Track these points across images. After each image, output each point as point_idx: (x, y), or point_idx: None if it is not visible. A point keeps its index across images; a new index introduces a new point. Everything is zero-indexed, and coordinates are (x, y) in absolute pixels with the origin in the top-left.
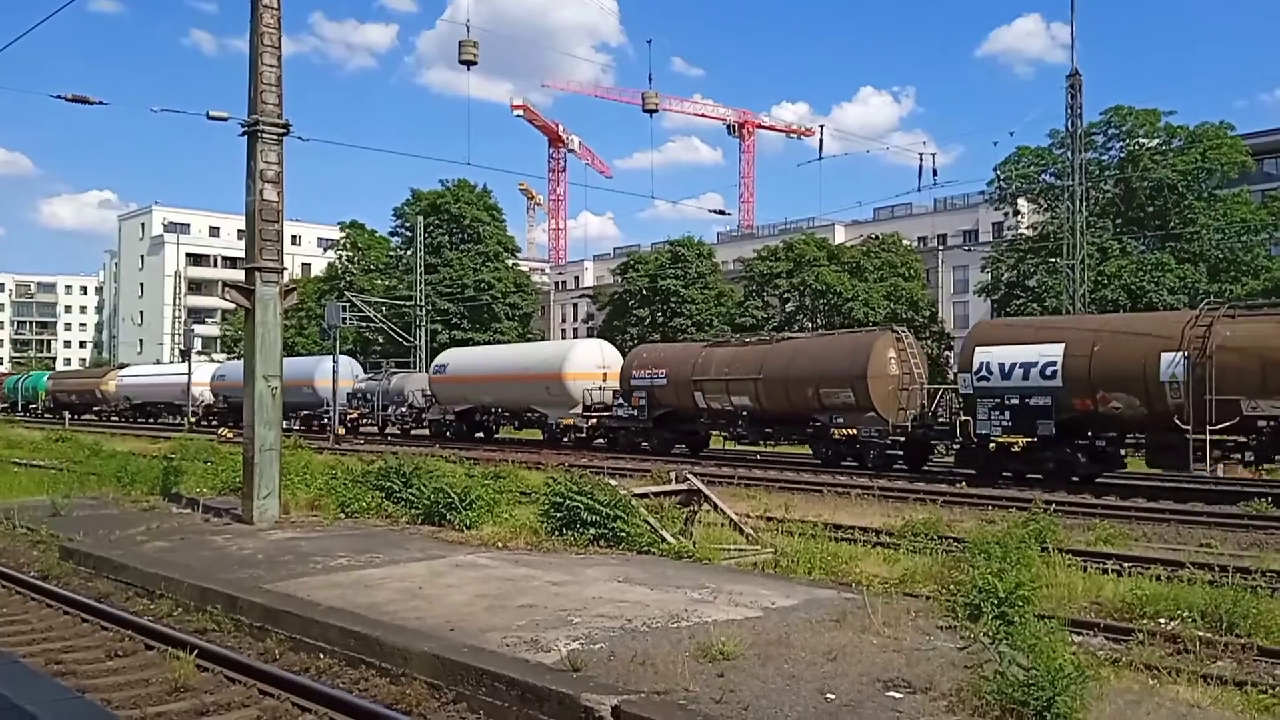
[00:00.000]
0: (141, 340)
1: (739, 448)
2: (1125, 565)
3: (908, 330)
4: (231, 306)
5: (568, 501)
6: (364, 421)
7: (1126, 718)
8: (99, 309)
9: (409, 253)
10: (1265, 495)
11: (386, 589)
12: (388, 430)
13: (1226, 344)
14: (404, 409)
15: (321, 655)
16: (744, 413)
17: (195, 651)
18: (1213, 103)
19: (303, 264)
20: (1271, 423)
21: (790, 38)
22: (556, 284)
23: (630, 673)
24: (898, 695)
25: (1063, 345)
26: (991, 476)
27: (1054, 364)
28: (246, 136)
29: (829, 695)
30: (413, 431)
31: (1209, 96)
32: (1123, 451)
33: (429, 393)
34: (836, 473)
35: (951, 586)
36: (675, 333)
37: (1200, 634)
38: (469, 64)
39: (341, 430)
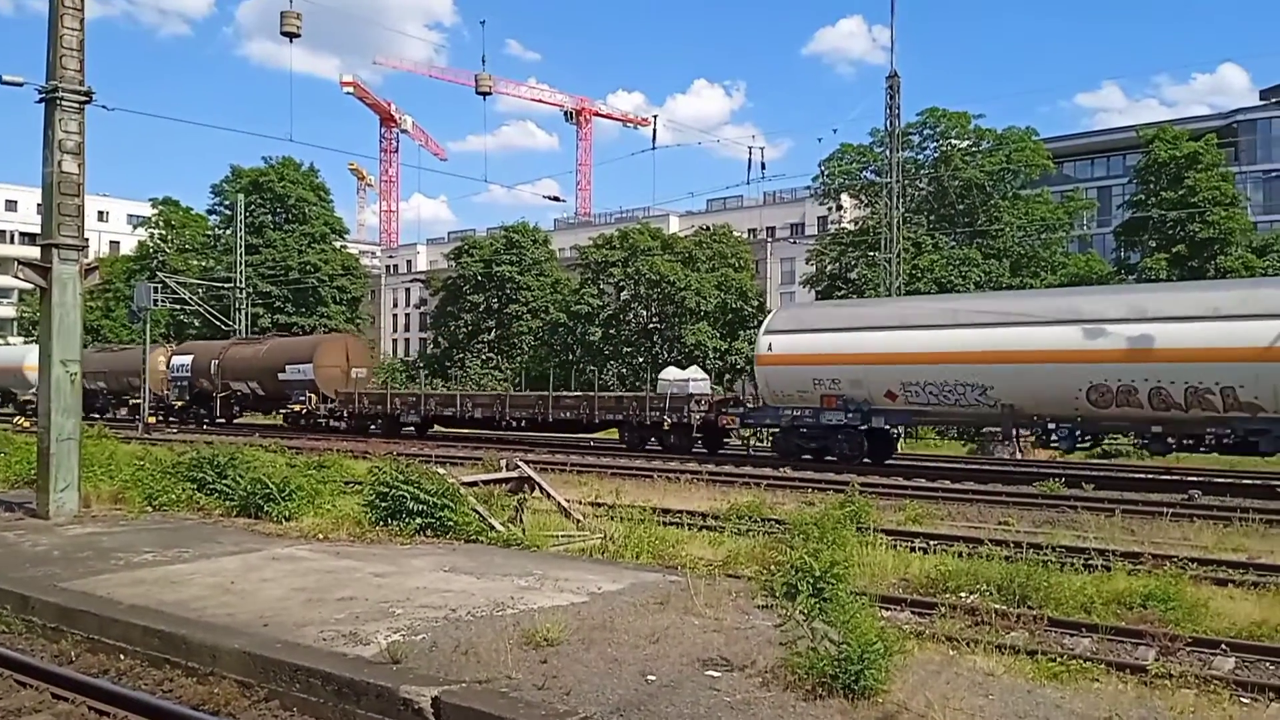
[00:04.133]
0: None
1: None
2: (931, 543)
3: (173, 342)
4: (29, 286)
5: (393, 491)
6: None
7: (928, 687)
8: None
9: (228, 232)
10: (1058, 476)
11: (195, 585)
12: None
13: (227, 356)
14: None
15: (123, 656)
16: (105, 392)
17: None
18: (1018, 107)
19: (111, 241)
20: (239, 394)
21: (626, 27)
22: (388, 268)
23: (452, 663)
24: (716, 674)
25: (192, 356)
26: (181, 420)
27: (188, 366)
28: (44, 104)
29: (650, 677)
30: None
31: (1015, 101)
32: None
33: None
34: (667, 458)
35: (772, 567)
36: (511, 319)
37: (997, 606)
38: (292, 36)
39: (152, 419)
